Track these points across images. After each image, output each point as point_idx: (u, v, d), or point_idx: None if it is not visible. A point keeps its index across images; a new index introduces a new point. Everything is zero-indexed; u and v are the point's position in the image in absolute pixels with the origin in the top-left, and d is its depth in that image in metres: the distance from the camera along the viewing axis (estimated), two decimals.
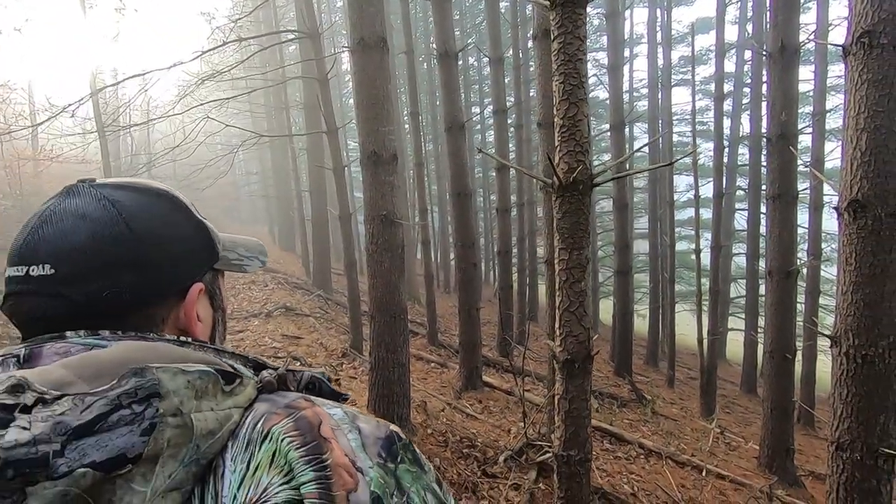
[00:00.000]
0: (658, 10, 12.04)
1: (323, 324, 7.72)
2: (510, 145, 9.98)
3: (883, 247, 2.19)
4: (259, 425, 0.41)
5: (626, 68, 13.82)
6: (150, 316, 0.51)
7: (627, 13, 14.07)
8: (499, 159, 2.92)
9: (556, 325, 1.80)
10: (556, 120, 1.72)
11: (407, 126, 13.49)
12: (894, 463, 2.21)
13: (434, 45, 7.36)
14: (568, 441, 1.81)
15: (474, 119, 16.99)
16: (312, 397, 0.45)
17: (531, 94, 12.22)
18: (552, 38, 1.72)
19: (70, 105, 5.77)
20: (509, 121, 9.88)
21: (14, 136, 7.73)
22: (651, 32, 11.68)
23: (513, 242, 9.70)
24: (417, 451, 0.43)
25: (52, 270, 0.46)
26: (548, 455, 3.31)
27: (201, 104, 6.47)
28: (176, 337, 0.50)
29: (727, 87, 11.03)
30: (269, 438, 0.39)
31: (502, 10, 9.68)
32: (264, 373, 0.47)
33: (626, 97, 12.22)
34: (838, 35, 8.88)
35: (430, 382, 5.97)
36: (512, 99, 11.37)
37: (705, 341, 7.71)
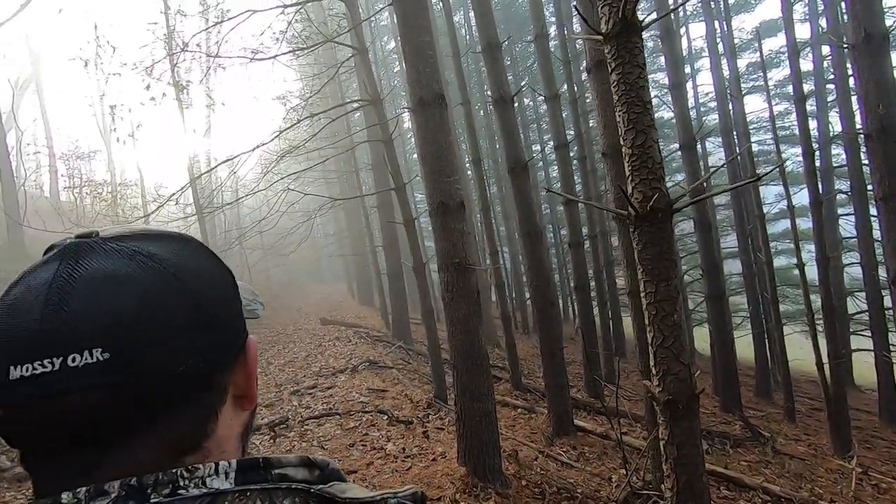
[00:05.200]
0: (716, 22, 11.61)
1: (406, 375, 7.78)
2: (576, 178, 9.82)
3: None
4: None
5: (688, 84, 13.34)
6: (218, 385, 0.42)
7: (683, 30, 13.73)
8: (564, 195, 2.89)
9: (652, 363, 1.68)
10: (624, 150, 1.68)
11: (470, 173, 13.78)
12: None
13: (489, 93, 7.56)
14: (681, 492, 1.63)
15: (536, 157, 17.02)
16: None
17: (591, 124, 12.10)
18: (609, 70, 1.71)
19: (174, 193, 6.54)
20: (572, 154, 9.77)
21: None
22: (711, 45, 11.23)
23: (589, 276, 9.34)
24: None
25: (107, 354, 0.35)
26: None
27: (282, 178, 7.06)
28: (242, 430, 0.46)
29: (807, 87, 10.26)
30: None
31: (552, 49, 9.82)
32: None
33: (693, 113, 11.73)
34: None
35: (518, 429, 5.74)
36: (572, 132, 11.29)
37: (826, 366, 6.81)
